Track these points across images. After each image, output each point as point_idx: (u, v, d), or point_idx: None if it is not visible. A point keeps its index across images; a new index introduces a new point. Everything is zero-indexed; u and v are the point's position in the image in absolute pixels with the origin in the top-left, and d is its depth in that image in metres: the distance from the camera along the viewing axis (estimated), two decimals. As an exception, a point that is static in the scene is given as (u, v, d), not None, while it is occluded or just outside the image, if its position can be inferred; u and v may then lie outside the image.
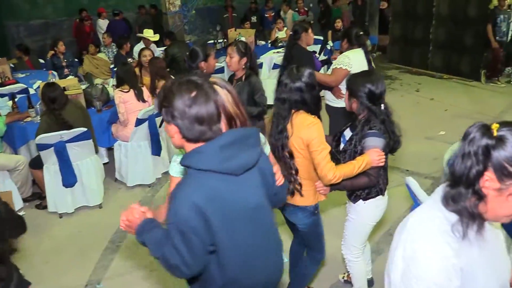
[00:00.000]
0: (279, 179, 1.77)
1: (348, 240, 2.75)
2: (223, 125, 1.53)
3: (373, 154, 2.37)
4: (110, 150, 4.87)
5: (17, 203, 4.22)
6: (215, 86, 1.54)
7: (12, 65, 7.64)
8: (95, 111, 4.70)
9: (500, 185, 1.13)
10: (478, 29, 7.89)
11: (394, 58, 9.95)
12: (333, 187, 2.47)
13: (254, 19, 11.12)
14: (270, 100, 6.70)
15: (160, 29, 10.20)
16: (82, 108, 4.10)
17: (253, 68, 3.49)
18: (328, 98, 4.20)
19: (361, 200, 2.59)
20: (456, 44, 8.41)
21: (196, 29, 12.47)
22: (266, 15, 11.34)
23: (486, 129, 1.15)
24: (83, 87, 5.09)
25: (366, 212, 2.62)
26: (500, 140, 1.11)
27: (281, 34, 8.81)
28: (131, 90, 4.44)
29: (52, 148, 3.88)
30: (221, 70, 6.63)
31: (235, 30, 8.24)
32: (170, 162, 2.03)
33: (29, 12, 11.13)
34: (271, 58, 7.25)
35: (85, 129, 3.92)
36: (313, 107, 2.39)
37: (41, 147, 3.90)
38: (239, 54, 3.37)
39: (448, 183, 1.22)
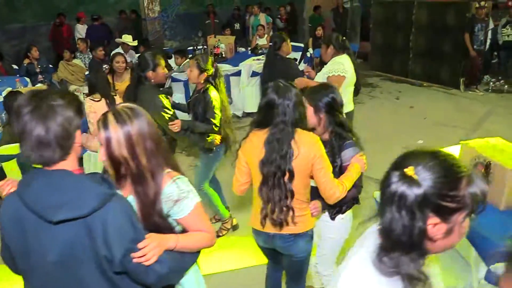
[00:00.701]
0: (143, 257, 1.38)
1: (328, 257, 2.67)
2: (71, 158, 1.42)
3: (360, 161, 2.38)
4: (80, 160, 4.70)
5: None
6: (110, 117, 1.47)
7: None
8: (63, 120, 4.54)
9: (447, 226, 1.04)
10: (457, 38, 7.94)
11: (375, 66, 9.97)
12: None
13: (237, 26, 11.07)
14: (250, 108, 6.68)
15: (140, 35, 10.08)
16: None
17: (214, 82, 3.41)
18: None
19: (340, 215, 2.51)
20: (436, 52, 8.46)
21: (178, 35, 12.36)
22: (249, 22, 11.30)
23: (407, 178, 1.03)
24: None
25: (345, 225, 2.56)
26: (425, 182, 1.02)
27: (262, 41, 8.75)
28: (103, 99, 4.29)
29: (15, 159, 3.72)
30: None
31: (215, 37, 8.16)
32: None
33: (6, 16, 10.89)
34: (250, 65, 7.17)
35: (50, 140, 3.76)
36: (306, 122, 2.28)
37: (4, 158, 3.74)
38: (198, 69, 3.31)
39: (380, 247, 1.08)
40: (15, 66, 7.83)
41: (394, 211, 1.03)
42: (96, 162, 4.42)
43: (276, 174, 2.15)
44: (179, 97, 6.54)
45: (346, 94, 4.01)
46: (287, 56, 4.73)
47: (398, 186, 1.03)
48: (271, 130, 2.16)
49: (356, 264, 1.13)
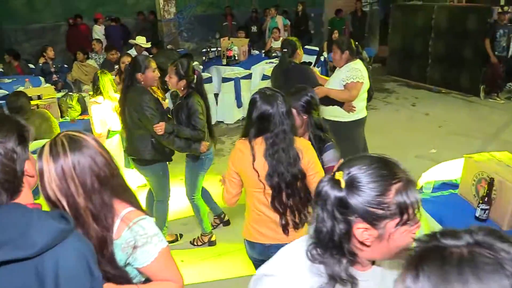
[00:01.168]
0: None
1: None
2: (24, 192, 1.21)
3: None
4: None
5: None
6: (46, 148, 1.30)
7: (2, 70, 7.60)
8: (68, 121, 4.56)
9: (377, 231, 1.01)
10: (477, 43, 7.67)
11: (392, 71, 9.75)
12: None
13: (254, 28, 11.01)
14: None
15: (157, 37, 10.13)
16: (49, 120, 3.95)
17: (197, 89, 3.34)
18: (335, 114, 3.95)
19: None
20: (455, 57, 8.20)
21: (195, 37, 12.38)
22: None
23: (333, 181, 1.04)
24: (59, 95, 4.96)
25: None
26: (351, 186, 1.01)
27: (277, 44, 8.65)
28: (106, 100, 4.28)
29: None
30: (208, 80, 6.47)
31: (228, 39, 8.11)
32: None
33: (27, 16, 11.11)
34: (263, 68, 7.09)
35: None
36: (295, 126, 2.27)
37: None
38: (177, 76, 3.23)
39: (312, 241, 1.08)
40: (31, 66, 7.94)
41: (319, 211, 1.05)
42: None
43: (291, 183, 2.10)
44: (189, 99, 6.51)
45: (360, 101, 3.94)
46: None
47: (323, 186, 1.05)
48: (270, 140, 2.08)
49: (295, 244, 1.18)
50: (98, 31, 10.09)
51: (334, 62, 3.93)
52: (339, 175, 1.03)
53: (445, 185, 2.72)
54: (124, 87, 3.45)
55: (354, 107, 3.93)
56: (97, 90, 4.27)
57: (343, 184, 1.01)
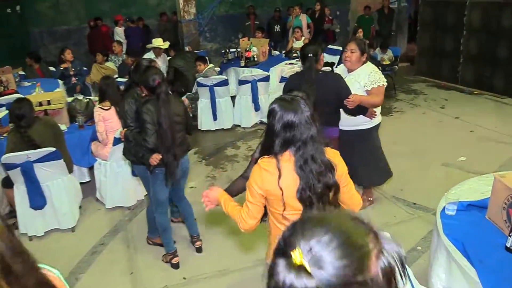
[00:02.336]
0: None
1: None
2: None
3: None
4: (92, 168, 4.59)
5: (-9, 222, 4.01)
6: None
7: (24, 73, 7.63)
8: (76, 127, 4.45)
9: None
10: (514, 41, 7.17)
11: (421, 71, 9.29)
12: None
13: (277, 28, 10.73)
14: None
15: (178, 38, 10.03)
16: (53, 127, 3.83)
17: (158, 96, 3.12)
18: (357, 123, 3.67)
19: None
20: (489, 57, 7.68)
21: (218, 37, 12.24)
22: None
23: (297, 269, 0.76)
24: (70, 99, 4.86)
25: None
26: (320, 269, 0.75)
27: (298, 44, 8.37)
28: (112, 107, 4.14)
29: (19, 168, 3.63)
30: (224, 83, 6.27)
31: (248, 40, 7.88)
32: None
33: (52, 19, 11.25)
34: (282, 70, 6.83)
35: (53, 149, 3.64)
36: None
37: (8, 167, 3.67)
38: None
39: None
40: (52, 68, 7.96)
41: None
42: (106, 170, 4.28)
43: (323, 195, 1.86)
44: (204, 102, 6.35)
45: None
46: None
47: (284, 277, 0.77)
48: (299, 152, 1.84)
49: None
50: (120, 32, 10.07)
51: (348, 63, 3.58)
52: (298, 256, 0.76)
53: (471, 207, 2.39)
54: (125, 88, 3.56)
55: (376, 113, 3.68)
56: (102, 97, 4.14)
57: (309, 269, 0.75)
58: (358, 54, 3.52)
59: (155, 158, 3.05)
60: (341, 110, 3.46)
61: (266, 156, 1.92)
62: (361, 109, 3.43)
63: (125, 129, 3.27)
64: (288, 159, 1.85)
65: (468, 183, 2.72)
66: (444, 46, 8.60)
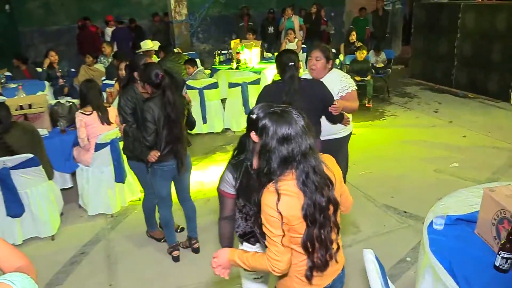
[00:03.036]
0: None
1: None
2: None
3: None
4: (74, 174, 4.46)
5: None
6: None
7: (10, 74, 7.49)
8: (59, 131, 4.32)
9: None
10: (508, 44, 7.09)
11: (415, 73, 9.21)
12: None
13: (271, 29, 10.61)
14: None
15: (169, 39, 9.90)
16: (32, 132, 3.69)
17: (163, 94, 3.16)
18: (334, 131, 3.51)
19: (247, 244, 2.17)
20: (483, 60, 7.62)
21: (210, 38, 12.11)
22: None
23: None
24: (53, 102, 4.73)
25: None
26: None
27: (292, 45, 8.27)
28: (94, 112, 4.01)
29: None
30: (214, 86, 6.15)
31: (240, 41, 7.77)
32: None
33: (43, 18, 11.09)
34: (273, 73, 6.72)
35: (31, 156, 3.50)
36: None
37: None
38: (141, 80, 3.22)
39: None
40: (39, 69, 7.81)
41: None
42: (88, 176, 4.16)
43: (323, 210, 1.70)
44: (194, 105, 6.21)
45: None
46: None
47: None
48: (300, 167, 1.67)
49: None
50: (110, 33, 9.93)
51: (314, 72, 3.35)
52: None
53: (460, 221, 2.29)
54: (121, 87, 3.55)
55: (349, 120, 3.55)
56: (84, 101, 4.01)
57: None
58: (323, 61, 3.32)
59: (154, 155, 3.12)
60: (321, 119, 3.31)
61: (271, 184, 1.69)
62: (341, 116, 3.32)
63: (123, 125, 3.29)
64: (291, 177, 1.68)
65: (457, 194, 2.61)
66: (438, 48, 8.52)
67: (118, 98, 3.37)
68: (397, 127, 6.45)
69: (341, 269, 1.93)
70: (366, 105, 7.28)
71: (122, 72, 4.70)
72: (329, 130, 3.40)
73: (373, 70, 7.64)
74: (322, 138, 3.32)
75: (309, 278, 1.77)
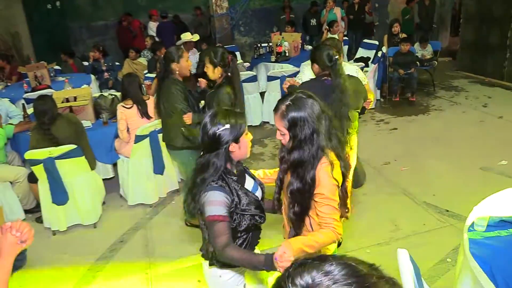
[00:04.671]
0: None
1: None
2: None
3: None
4: (116, 164, 4.61)
5: (18, 214, 4.13)
6: None
7: (59, 68, 7.83)
8: (101, 124, 4.47)
9: None
10: None
11: (463, 66, 8.77)
12: None
13: (313, 22, 10.43)
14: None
15: (211, 32, 9.98)
16: (76, 124, 3.85)
17: (231, 79, 3.35)
18: None
19: (215, 268, 2.01)
20: (539, 51, 7.14)
21: (252, 31, 12.10)
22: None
23: None
24: (96, 95, 4.90)
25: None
26: None
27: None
28: (134, 105, 4.12)
29: (42, 164, 3.68)
30: (253, 79, 6.15)
31: (280, 34, 7.71)
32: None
33: (91, 14, 11.50)
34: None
35: (74, 147, 3.65)
36: None
37: (32, 162, 3.72)
38: (212, 64, 3.29)
39: None
40: (86, 63, 8.12)
41: None
42: (128, 167, 4.28)
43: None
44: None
45: None
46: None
47: None
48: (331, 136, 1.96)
49: None
50: (153, 27, 10.15)
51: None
52: None
53: (504, 223, 2.16)
54: (159, 78, 3.62)
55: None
56: (125, 94, 4.12)
57: None
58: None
59: None
60: None
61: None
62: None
63: (189, 114, 3.31)
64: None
65: (502, 194, 2.46)
66: (489, 39, 8.06)
67: (169, 94, 3.37)
68: (442, 122, 6.18)
69: None
70: (410, 99, 7.04)
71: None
72: None
73: (417, 63, 7.35)
74: None
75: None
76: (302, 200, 1.92)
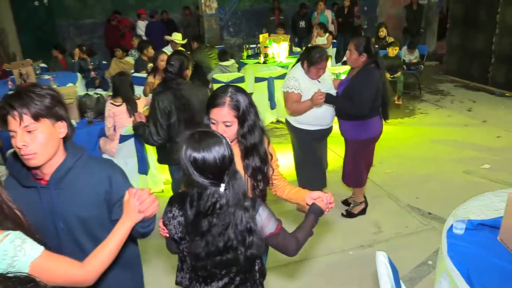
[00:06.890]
0: None
1: None
2: None
3: None
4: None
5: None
6: None
7: (45, 65, 7.74)
8: (86, 123, 4.43)
9: None
10: (550, 41, 6.73)
11: (450, 70, 8.89)
12: None
13: (302, 24, 10.45)
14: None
15: (199, 32, 9.97)
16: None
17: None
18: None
19: None
20: (523, 57, 7.26)
21: (241, 32, 12.11)
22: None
23: None
24: (82, 94, 4.85)
25: None
26: None
27: (322, 40, 8.15)
28: (124, 103, 4.09)
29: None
30: (240, 80, 6.15)
31: (268, 36, 7.72)
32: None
33: (79, 11, 11.39)
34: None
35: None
36: None
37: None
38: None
39: None
40: (73, 61, 8.04)
41: None
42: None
43: None
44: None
45: None
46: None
47: None
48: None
49: None
50: (141, 26, 10.10)
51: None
52: None
53: (482, 226, 2.19)
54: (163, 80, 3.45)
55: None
56: (115, 92, 4.10)
57: None
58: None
59: None
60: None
61: None
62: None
63: None
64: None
65: (481, 198, 2.50)
66: (475, 44, 8.18)
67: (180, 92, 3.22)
68: (427, 125, 6.25)
69: None
70: (396, 102, 7.10)
71: (164, 63, 4.75)
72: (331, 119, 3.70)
73: (404, 66, 7.42)
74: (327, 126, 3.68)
75: None
76: (263, 177, 2.04)
